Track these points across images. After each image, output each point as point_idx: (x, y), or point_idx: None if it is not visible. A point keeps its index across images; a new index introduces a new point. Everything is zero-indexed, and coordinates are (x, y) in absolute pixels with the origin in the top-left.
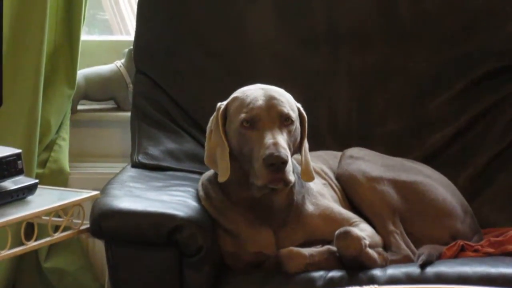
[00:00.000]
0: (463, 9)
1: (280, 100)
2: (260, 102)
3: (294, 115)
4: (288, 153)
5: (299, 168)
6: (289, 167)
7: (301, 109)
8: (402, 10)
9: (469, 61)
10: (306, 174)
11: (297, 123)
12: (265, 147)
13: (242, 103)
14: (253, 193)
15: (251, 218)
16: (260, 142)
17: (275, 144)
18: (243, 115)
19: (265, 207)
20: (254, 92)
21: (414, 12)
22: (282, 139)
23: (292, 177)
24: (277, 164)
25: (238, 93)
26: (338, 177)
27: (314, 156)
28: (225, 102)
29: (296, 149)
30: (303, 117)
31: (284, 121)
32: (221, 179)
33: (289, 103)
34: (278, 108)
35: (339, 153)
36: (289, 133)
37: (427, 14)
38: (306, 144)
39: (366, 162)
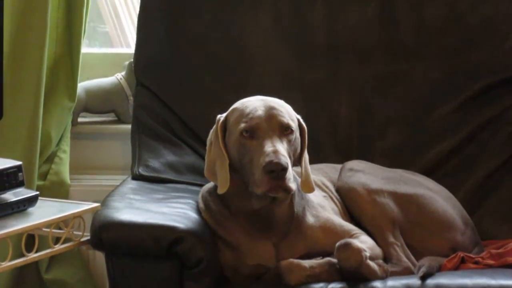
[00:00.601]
0: (464, 23)
1: (279, 110)
2: (260, 112)
3: (294, 125)
4: (288, 161)
5: (299, 180)
6: (289, 175)
7: (301, 120)
8: (403, 24)
9: (470, 74)
10: (306, 186)
11: (297, 133)
12: (265, 154)
13: (241, 114)
14: (253, 205)
15: (251, 230)
16: (260, 150)
17: (275, 152)
18: (242, 125)
19: (265, 219)
20: (254, 103)
21: (415, 26)
22: (282, 147)
23: (293, 185)
24: (277, 171)
25: (238, 104)
26: (338, 190)
27: (314, 169)
28: (224, 114)
29: (296, 160)
30: (303, 128)
31: (284, 130)
32: (221, 190)
33: (289, 114)
34: (278, 118)
35: (339, 166)
36: (289, 142)
37: (428, 29)
38: (306, 156)
39: (366, 174)
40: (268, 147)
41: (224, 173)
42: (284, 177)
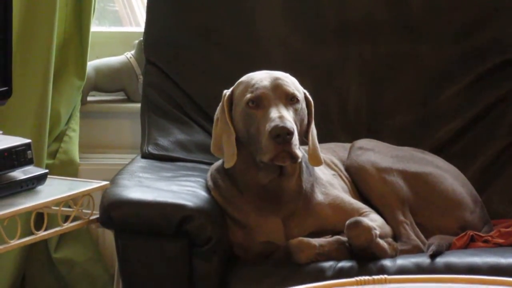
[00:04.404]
0: (474, 2)
1: (285, 80)
2: (265, 82)
3: (300, 96)
4: (294, 126)
5: (307, 156)
6: (295, 141)
7: (307, 94)
8: (412, 3)
9: (480, 53)
10: (314, 159)
11: (303, 104)
12: (271, 120)
13: (247, 85)
14: (261, 179)
15: (260, 207)
16: (266, 118)
17: (281, 117)
18: (248, 95)
19: (274, 195)
20: (259, 75)
21: (424, 5)
22: (287, 114)
23: (299, 152)
24: (283, 135)
25: (243, 78)
26: (348, 169)
27: (324, 148)
28: (230, 89)
29: (303, 134)
30: (310, 102)
31: (289, 99)
32: (228, 164)
33: (294, 84)
34: (283, 87)
35: (348, 145)
36: (295, 111)
37: (437, 7)
38: (314, 130)
39: (375, 153)
40: (274, 114)
41: (231, 146)
42: (290, 142)
